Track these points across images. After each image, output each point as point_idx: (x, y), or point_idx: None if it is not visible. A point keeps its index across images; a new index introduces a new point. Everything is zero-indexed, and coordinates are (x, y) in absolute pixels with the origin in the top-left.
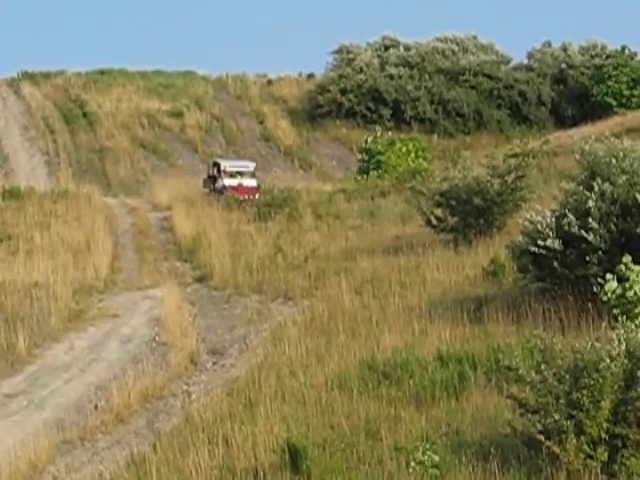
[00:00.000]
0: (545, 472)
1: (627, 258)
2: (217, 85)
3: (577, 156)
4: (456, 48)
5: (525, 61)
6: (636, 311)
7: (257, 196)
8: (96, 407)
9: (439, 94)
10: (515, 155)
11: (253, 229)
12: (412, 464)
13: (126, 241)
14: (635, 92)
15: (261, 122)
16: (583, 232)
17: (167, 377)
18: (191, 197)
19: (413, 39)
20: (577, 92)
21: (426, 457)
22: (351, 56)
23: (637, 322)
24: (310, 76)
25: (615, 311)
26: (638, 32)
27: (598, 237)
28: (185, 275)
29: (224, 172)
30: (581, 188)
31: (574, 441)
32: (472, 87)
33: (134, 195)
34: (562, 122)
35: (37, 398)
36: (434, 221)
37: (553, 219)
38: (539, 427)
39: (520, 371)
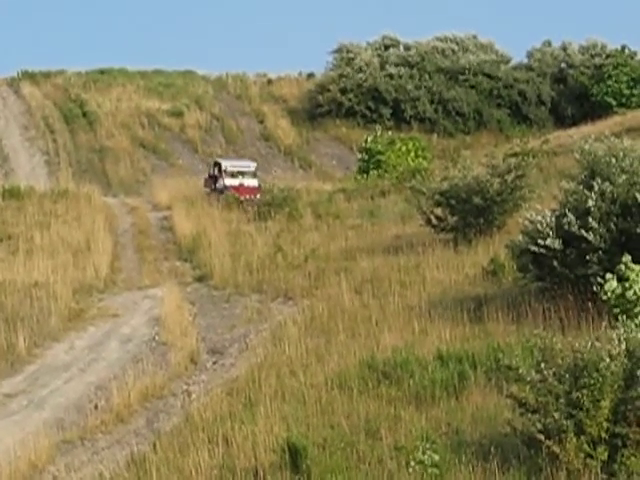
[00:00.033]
0: (545, 471)
1: (627, 257)
2: (217, 85)
3: (577, 155)
4: (456, 47)
5: (525, 60)
6: (636, 310)
7: (258, 196)
8: (96, 407)
9: (439, 93)
10: (515, 154)
11: (253, 229)
12: (412, 463)
13: (126, 241)
14: (635, 91)
15: (261, 122)
16: (583, 231)
17: (167, 377)
18: (191, 197)
19: (413, 38)
20: (577, 91)
21: (426, 456)
22: (351, 55)
23: (637, 321)
24: (310, 76)
25: (615, 310)
26: (638, 31)
27: (598, 236)
28: (185, 275)
29: (225, 172)
30: (581, 187)
31: (574, 440)
32: (472, 86)
33: (134, 195)
34: (562, 121)
35: (37, 398)
36: (434, 220)
37: (553, 218)
38: (539, 426)
39: (520, 370)
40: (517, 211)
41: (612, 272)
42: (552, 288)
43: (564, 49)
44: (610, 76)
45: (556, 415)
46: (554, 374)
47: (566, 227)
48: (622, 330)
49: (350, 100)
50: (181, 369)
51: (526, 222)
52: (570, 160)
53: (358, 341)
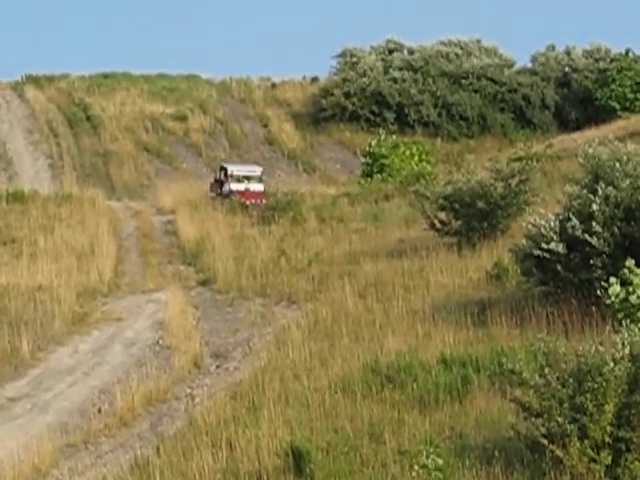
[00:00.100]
0: (549, 476)
1: (630, 262)
2: (221, 89)
3: (581, 160)
4: (460, 52)
5: (529, 65)
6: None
7: (264, 201)
8: (100, 410)
9: (443, 98)
10: (519, 159)
11: (257, 233)
12: (416, 467)
13: (130, 245)
14: (639, 95)
15: (265, 126)
16: (587, 236)
17: (171, 380)
18: (195, 201)
19: (417, 42)
20: (581, 96)
21: (430, 460)
22: (355, 60)
23: None
24: (314, 80)
25: (619, 315)
26: None
27: (602, 241)
28: (189, 279)
29: (231, 176)
30: (585, 192)
31: (578, 445)
32: (476, 91)
33: (138, 199)
34: (566, 126)
35: (41, 402)
36: (438, 225)
37: (557, 222)
38: (543, 431)
39: (524, 375)
40: (521, 215)
41: (616, 276)
42: (556, 292)
43: (568, 53)
44: (614, 80)
45: (560, 419)
46: (558, 378)
47: (570, 231)
48: (626, 334)
49: (354, 104)
50: (185, 373)
51: (530, 226)
52: (574, 164)
53: (362, 345)
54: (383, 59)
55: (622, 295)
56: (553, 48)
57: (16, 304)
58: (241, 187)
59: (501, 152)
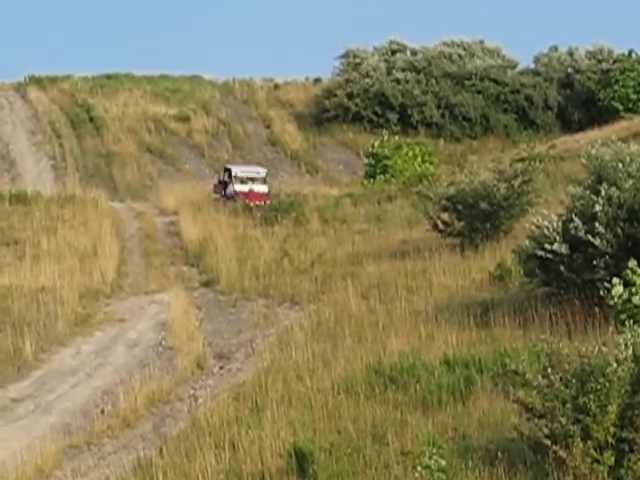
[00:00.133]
0: (552, 476)
1: (633, 262)
2: (224, 89)
3: (584, 160)
4: (463, 52)
5: (532, 65)
6: None
7: (268, 202)
8: (103, 411)
9: (446, 98)
10: (522, 159)
11: (260, 233)
12: (418, 468)
13: (133, 245)
14: None
15: (268, 126)
16: (590, 236)
17: (174, 381)
18: (198, 202)
19: (420, 43)
20: (584, 96)
21: (433, 461)
22: (358, 60)
23: None
24: (317, 80)
25: (622, 316)
26: None
27: (605, 241)
28: (192, 279)
29: (235, 178)
30: (588, 192)
31: (581, 445)
32: (479, 91)
33: (141, 200)
34: (569, 126)
35: (44, 402)
36: (441, 225)
37: (560, 223)
38: (546, 431)
39: (527, 375)
40: (524, 216)
41: (619, 277)
42: (559, 293)
43: (571, 54)
44: (617, 81)
45: (563, 420)
46: (561, 379)
47: (573, 232)
48: (629, 335)
49: (357, 105)
50: (188, 374)
51: (533, 227)
52: (577, 165)
53: (365, 346)
54: (386, 60)
55: (625, 296)
56: (556, 49)
57: (19, 305)
58: (245, 188)
59: (504, 153)
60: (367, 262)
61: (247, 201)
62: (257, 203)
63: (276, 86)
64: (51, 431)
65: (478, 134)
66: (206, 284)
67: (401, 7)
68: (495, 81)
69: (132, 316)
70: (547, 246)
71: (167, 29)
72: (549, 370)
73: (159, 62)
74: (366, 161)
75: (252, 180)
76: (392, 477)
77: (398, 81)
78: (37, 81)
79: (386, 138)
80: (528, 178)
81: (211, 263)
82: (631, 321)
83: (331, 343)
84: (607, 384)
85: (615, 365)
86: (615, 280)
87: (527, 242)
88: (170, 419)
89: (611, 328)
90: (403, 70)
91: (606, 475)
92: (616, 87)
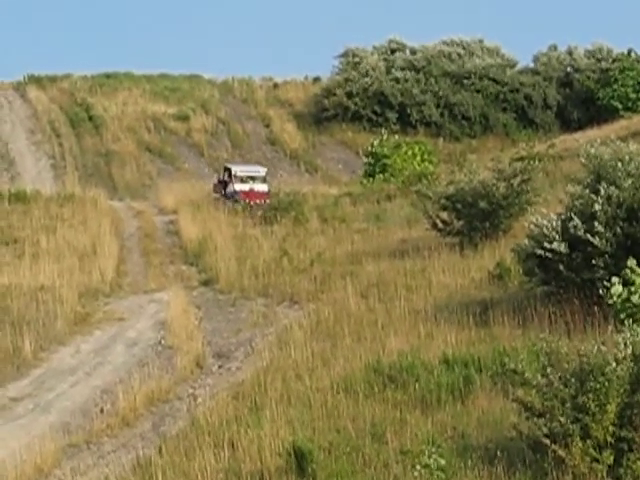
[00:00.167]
0: (551, 476)
1: (632, 262)
2: (223, 89)
3: (583, 159)
4: (462, 52)
5: (531, 65)
6: None
7: (268, 201)
8: (102, 410)
9: (445, 97)
10: (521, 158)
11: (259, 233)
12: (418, 467)
13: (132, 245)
14: None
15: (267, 126)
16: (589, 235)
17: (173, 380)
18: (197, 201)
19: (419, 42)
20: (583, 96)
21: (432, 460)
22: (357, 59)
23: None
24: (316, 80)
25: (621, 315)
26: None
27: (604, 240)
28: (191, 279)
29: (235, 177)
30: (587, 191)
31: (580, 445)
32: (478, 91)
33: (140, 199)
34: (568, 125)
35: (43, 401)
36: (440, 224)
37: (559, 222)
38: (545, 431)
39: (526, 374)
40: (523, 215)
41: (618, 276)
42: (558, 292)
43: (570, 53)
44: (616, 80)
45: (562, 419)
46: (560, 378)
47: (572, 231)
48: (628, 334)
49: (356, 104)
50: (187, 373)
51: (532, 226)
52: (576, 164)
53: (364, 345)
54: (385, 59)
55: (624, 295)
56: (555, 48)
57: (18, 304)
58: (245, 187)
59: (503, 152)
60: (366, 261)
61: (247, 200)
62: (257, 202)
63: (275, 85)
64: (50, 430)
65: (477, 133)
66: (205, 283)
67: (400, 6)
68: (494, 80)
69: (131, 315)
70: (546, 245)
71: (166, 28)
72: (548, 369)
73: (158, 61)
74: (365, 160)
75: (252, 179)
76: (391, 476)
77: (397, 80)
78: (36, 80)
79: (385, 137)
80: (527, 177)
81: (210, 262)
82: (630, 320)
83: (330, 342)
84: (606, 383)
85: (614, 364)
86: (614, 279)
87: (526, 241)
88: (169, 418)
89: (610, 327)
90: (402, 69)
91: (605, 474)
92: (615, 86)
